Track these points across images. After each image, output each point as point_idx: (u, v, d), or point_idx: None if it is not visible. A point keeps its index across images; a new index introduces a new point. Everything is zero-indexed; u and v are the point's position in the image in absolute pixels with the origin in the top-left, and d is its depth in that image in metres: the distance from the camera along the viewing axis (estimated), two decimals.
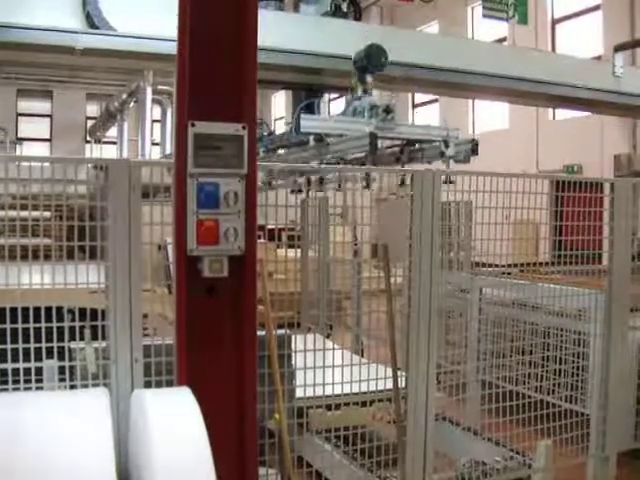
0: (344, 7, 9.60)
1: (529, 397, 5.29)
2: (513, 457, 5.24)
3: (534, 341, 5.60)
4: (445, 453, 5.46)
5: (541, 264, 6.80)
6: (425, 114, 25.21)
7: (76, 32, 7.34)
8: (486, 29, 19.46)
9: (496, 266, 6.02)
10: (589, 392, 5.66)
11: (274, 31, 7.93)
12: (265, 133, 10.33)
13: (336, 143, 8.42)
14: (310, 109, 9.27)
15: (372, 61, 8.48)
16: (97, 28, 7.41)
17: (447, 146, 8.11)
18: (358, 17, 10.06)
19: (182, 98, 3.38)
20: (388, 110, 8.42)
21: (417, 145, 8.68)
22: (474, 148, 8.29)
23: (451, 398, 5.20)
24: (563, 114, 18.43)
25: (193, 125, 3.32)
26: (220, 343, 3.44)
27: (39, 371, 3.65)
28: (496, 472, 5.07)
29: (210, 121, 3.36)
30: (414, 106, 25.90)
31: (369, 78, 8.64)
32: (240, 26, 3.41)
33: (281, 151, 10.03)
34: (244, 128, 3.41)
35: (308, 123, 8.39)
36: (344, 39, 8.93)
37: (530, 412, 5.22)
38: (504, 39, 19.33)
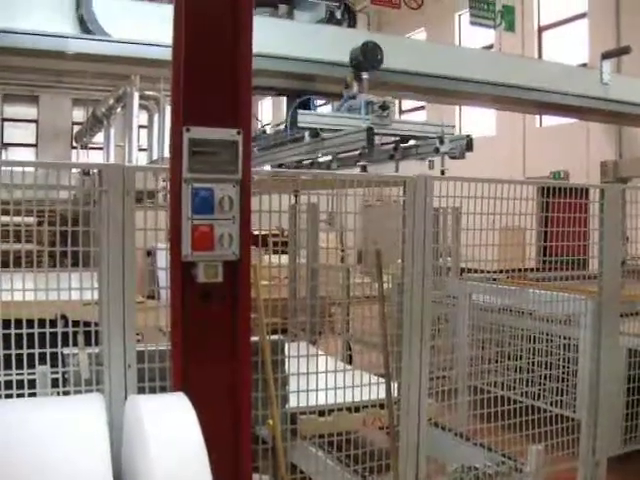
0: (338, 14, 9.62)
1: (520, 402, 5.30)
2: (504, 462, 5.24)
3: (523, 347, 5.61)
4: (436, 459, 5.46)
5: (529, 270, 6.82)
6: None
7: (68, 37, 7.27)
8: (473, 36, 19.52)
9: (484, 272, 6.03)
10: (579, 397, 5.68)
11: (268, 37, 7.98)
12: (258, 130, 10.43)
13: (332, 138, 8.46)
14: (305, 107, 9.29)
15: (368, 58, 8.57)
16: (91, 33, 7.35)
17: (442, 142, 8.18)
18: (352, 24, 10.07)
19: (177, 103, 3.38)
20: (384, 107, 8.47)
21: (411, 142, 8.75)
22: (469, 144, 8.36)
23: (442, 404, 5.20)
24: (549, 121, 18.51)
25: (188, 130, 3.32)
26: (215, 349, 3.44)
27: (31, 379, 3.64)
28: (487, 477, 5.08)
29: (205, 126, 3.36)
30: (401, 112, 25.94)
31: (365, 75, 8.74)
32: (235, 32, 3.41)
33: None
34: (239, 133, 3.41)
35: (305, 118, 8.45)
36: (337, 46, 8.97)
37: (521, 417, 5.23)
38: (491, 46, 19.41)
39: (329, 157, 8.70)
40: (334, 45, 9.04)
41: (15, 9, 7.07)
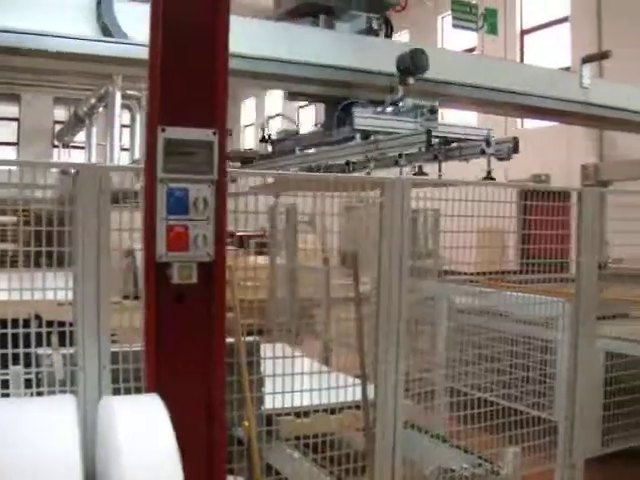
0: (375, 25, 9.78)
1: (497, 404, 5.31)
2: (481, 464, 5.25)
3: (502, 349, 5.63)
4: (413, 460, 5.46)
5: (508, 272, 6.83)
6: None
7: (91, 40, 7.07)
8: (456, 39, 19.58)
9: (463, 274, 6.04)
10: (556, 400, 5.70)
11: (309, 46, 8.23)
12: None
13: (386, 141, 8.59)
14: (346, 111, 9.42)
15: (415, 63, 8.73)
16: (111, 35, 7.22)
17: (488, 144, 8.29)
18: (389, 35, 10.19)
19: (153, 103, 3.36)
20: (433, 110, 8.63)
21: (455, 144, 8.87)
22: (515, 146, 8.47)
23: (419, 406, 5.20)
24: (531, 124, 18.59)
25: (164, 130, 3.30)
26: (189, 350, 3.42)
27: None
28: (464, 479, 5.08)
29: (181, 126, 3.34)
30: None
31: (411, 80, 8.89)
32: (212, 32, 3.40)
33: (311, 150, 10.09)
34: (215, 134, 3.39)
35: (361, 121, 8.59)
36: (373, 55, 9.15)
37: (498, 419, 5.25)
38: (473, 49, 19.47)
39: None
40: (372, 54, 9.22)
41: (35, 10, 6.88)
